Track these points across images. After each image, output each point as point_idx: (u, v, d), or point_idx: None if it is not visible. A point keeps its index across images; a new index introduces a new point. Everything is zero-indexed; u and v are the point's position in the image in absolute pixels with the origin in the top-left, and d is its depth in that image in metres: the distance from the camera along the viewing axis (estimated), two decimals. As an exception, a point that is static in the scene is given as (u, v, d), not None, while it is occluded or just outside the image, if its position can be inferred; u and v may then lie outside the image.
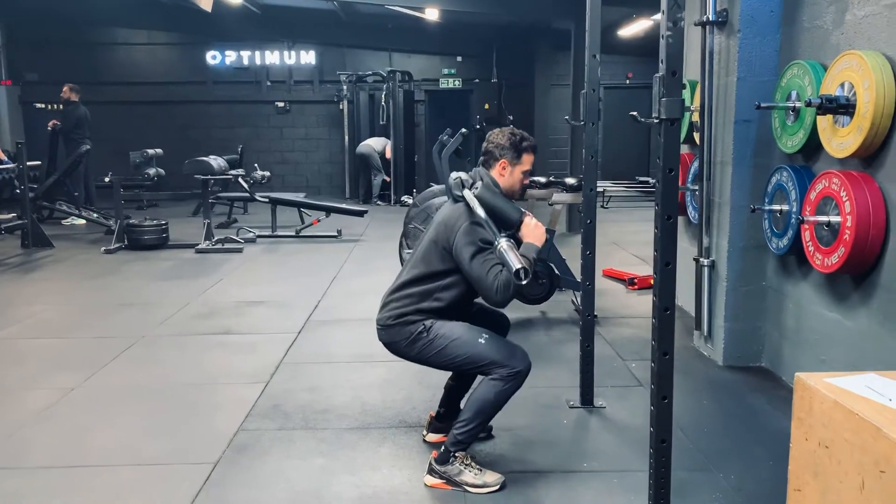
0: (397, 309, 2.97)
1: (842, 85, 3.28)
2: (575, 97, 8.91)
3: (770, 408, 3.78)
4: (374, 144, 12.95)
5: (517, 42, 13.90)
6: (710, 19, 4.21)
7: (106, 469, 3.13)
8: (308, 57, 14.17)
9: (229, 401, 3.89)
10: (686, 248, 5.65)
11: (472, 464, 2.96)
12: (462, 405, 3.37)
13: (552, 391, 3.97)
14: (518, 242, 2.87)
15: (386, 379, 4.21)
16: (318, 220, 9.53)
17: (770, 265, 4.22)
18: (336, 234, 9.32)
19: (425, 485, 2.96)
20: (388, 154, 12.91)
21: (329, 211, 9.65)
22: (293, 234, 9.38)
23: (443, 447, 2.96)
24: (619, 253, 7.95)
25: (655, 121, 2.46)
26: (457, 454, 2.94)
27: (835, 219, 3.28)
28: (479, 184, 2.94)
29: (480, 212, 2.82)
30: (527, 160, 3.07)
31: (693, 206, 5.12)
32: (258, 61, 14.15)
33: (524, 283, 2.58)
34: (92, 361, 4.50)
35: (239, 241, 8.58)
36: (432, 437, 3.36)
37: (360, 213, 9.77)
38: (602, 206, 12.09)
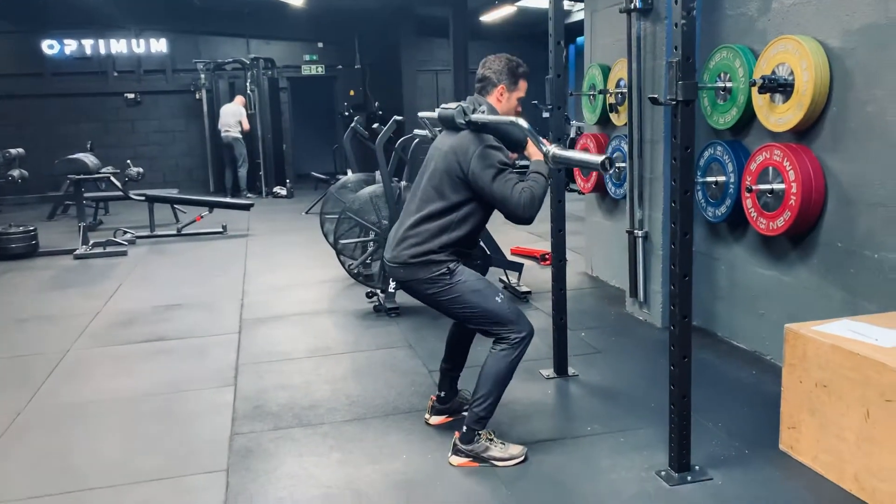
0: (418, 246, 2.94)
1: (777, 66, 3.67)
2: (457, 82, 9.10)
3: (718, 361, 4.17)
4: (231, 121, 12.27)
5: (380, 28, 13.90)
6: (637, 7, 4.51)
7: (110, 491, 2.93)
8: (159, 45, 13.41)
9: (205, 407, 3.74)
10: (600, 222, 6.03)
11: (495, 438, 3.06)
12: (459, 385, 3.49)
13: (522, 365, 4.12)
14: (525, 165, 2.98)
15: (355, 369, 4.20)
16: (202, 217, 9.12)
17: (699, 233, 4.61)
18: (221, 229, 8.98)
19: (451, 465, 3.03)
20: (246, 125, 12.37)
21: (213, 206, 9.25)
22: (174, 232, 8.93)
23: (464, 427, 3.03)
24: (517, 232, 8.25)
25: (672, 102, 2.68)
26: (480, 431, 3.03)
27: (778, 186, 3.68)
28: (482, 108, 2.97)
29: (526, 123, 2.84)
30: (522, 86, 3.11)
31: (613, 182, 5.47)
32: (102, 50, 13.23)
33: (611, 172, 2.63)
34: (24, 382, 4.13)
35: (122, 244, 8.03)
36: (436, 420, 3.43)
37: (247, 207, 9.45)
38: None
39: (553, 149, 2.83)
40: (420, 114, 3.79)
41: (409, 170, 5.37)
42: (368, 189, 5.26)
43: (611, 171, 2.65)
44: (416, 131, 4.87)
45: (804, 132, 3.67)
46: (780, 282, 3.98)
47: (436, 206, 2.96)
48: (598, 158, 2.60)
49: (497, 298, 2.99)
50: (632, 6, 4.55)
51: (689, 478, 2.85)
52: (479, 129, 2.92)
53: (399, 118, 5.08)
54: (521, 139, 2.96)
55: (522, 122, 2.85)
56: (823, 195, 3.58)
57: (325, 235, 6.52)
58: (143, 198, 8.96)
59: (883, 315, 3.07)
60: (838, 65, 3.46)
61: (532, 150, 2.97)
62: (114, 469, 3.09)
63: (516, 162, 3.10)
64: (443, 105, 3.08)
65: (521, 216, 2.84)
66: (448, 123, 3.02)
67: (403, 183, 5.18)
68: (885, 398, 2.54)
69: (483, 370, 3.03)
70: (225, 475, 3.01)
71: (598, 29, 5.67)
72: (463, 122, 2.93)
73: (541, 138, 2.92)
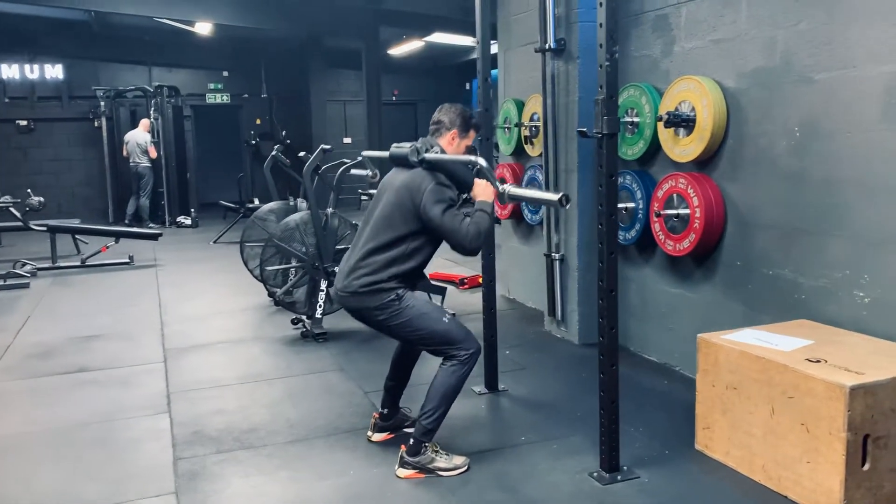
0: (369, 276, 3.11)
1: (680, 103, 4.07)
2: (370, 113, 9.30)
3: (632, 372, 4.48)
4: (138, 150, 12.02)
5: (287, 57, 13.97)
6: (551, 47, 4.86)
7: (57, 519, 2.90)
8: (54, 71, 12.98)
9: (142, 434, 3.72)
10: (516, 247, 6.34)
11: (440, 450, 3.23)
12: (401, 401, 3.64)
13: (454, 383, 4.32)
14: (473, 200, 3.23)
15: (291, 394, 4.27)
16: (107, 247, 8.86)
17: (611, 255, 4.97)
18: (128, 260, 8.77)
19: (398, 477, 3.17)
20: (153, 152, 12.13)
21: (119, 236, 9.02)
22: (78, 264, 8.64)
23: (411, 440, 3.19)
24: (434, 258, 8.47)
25: (598, 135, 2.97)
26: (427, 444, 3.19)
27: (684, 211, 4.06)
28: (435, 149, 3.22)
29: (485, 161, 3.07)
30: (471, 135, 3.38)
31: (529, 209, 5.79)
32: (-8, 75, 12.66)
33: (567, 207, 2.86)
34: (-60, 418, 3.97)
35: (24, 276, 7.72)
36: (378, 437, 3.56)
37: (155, 237, 9.26)
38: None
39: (508, 187, 3.09)
40: (364, 153, 4.05)
41: (334, 196, 5.50)
42: (296, 216, 5.36)
43: (566, 207, 2.89)
44: (355, 171, 5.02)
45: (705, 162, 4.07)
46: (686, 298, 4.36)
47: (386, 238, 3.15)
48: (555, 196, 2.83)
49: (444, 319, 3.18)
50: (546, 47, 4.89)
51: (619, 477, 3.11)
52: (431, 167, 3.16)
53: (327, 147, 5.23)
54: (468, 181, 3.21)
55: (482, 161, 3.10)
56: (724, 219, 3.98)
57: (245, 262, 6.53)
58: (44, 228, 8.64)
59: (780, 324, 3.45)
60: (734, 102, 3.88)
61: (478, 190, 3.21)
62: (55, 497, 3.06)
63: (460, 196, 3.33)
64: (394, 145, 3.32)
65: (467, 247, 3.10)
66: (400, 161, 3.26)
67: (330, 210, 5.31)
68: (787, 395, 2.88)
69: (433, 385, 3.20)
70: (175, 497, 3.03)
71: (512, 66, 6.02)
72: (416, 160, 3.16)
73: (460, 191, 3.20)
